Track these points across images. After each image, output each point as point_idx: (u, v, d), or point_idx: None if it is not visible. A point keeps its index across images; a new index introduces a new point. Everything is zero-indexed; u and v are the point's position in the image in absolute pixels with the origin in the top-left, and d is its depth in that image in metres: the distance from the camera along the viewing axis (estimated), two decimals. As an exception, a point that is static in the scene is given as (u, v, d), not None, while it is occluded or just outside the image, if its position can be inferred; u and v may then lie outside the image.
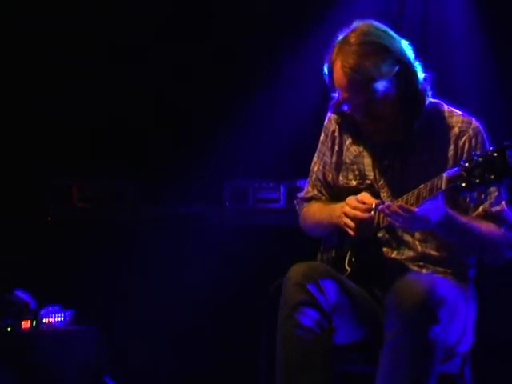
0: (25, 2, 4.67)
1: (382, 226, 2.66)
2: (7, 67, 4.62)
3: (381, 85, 2.62)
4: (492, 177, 2.30)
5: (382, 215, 2.64)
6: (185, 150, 4.74)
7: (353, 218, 2.66)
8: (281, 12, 4.77)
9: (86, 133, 4.73)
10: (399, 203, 2.54)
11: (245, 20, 4.78)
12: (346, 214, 2.68)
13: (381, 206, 2.58)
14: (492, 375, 3.92)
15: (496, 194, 2.69)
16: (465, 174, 2.35)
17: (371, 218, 2.63)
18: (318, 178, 2.96)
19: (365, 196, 2.67)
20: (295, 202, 3.08)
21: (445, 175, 2.43)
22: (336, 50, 2.67)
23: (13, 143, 4.60)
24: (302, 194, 3.03)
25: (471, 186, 2.34)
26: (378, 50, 2.62)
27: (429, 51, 4.33)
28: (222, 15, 4.83)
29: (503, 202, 2.71)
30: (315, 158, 2.97)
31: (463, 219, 2.62)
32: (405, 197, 2.58)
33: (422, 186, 2.52)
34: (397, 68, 2.64)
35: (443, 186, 2.42)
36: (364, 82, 2.61)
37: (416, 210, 2.49)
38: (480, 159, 2.33)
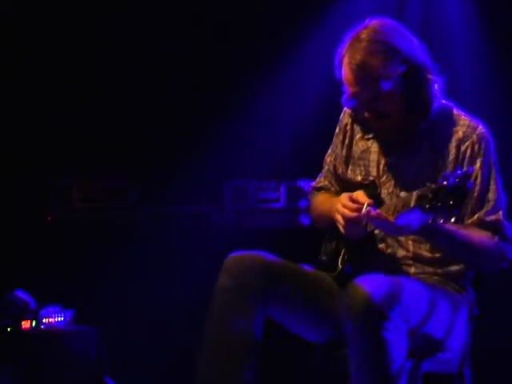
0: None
1: (369, 228, 2.66)
2: (7, 67, 4.62)
3: (386, 83, 2.63)
4: (451, 202, 2.30)
5: None
6: (185, 150, 4.74)
7: (342, 216, 2.66)
8: (281, 11, 4.77)
9: (86, 133, 4.73)
10: (378, 211, 2.54)
11: (245, 19, 4.79)
12: (337, 211, 2.69)
13: (363, 211, 2.58)
14: (492, 375, 3.92)
15: (493, 203, 2.69)
16: (430, 196, 2.34)
17: (359, 218, 2.63)
18: (329, 170, 3.01)
19: (359, 194, 2.67)
20: (309, 190, 3.11)
21: (415, 193, 2.43)
22: (347, 45, 2.69)
23: (13, 143, 4.60)
24: (313, 184, 3.08)
25: (433, 208, 2.34)
26: (385, 49, 2.63)
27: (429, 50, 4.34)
28: (222, 15, 4.84)
29: (500, 212, 2.70)
30: (330, 150, 3.01)
31: (450, 227, 2.59)
32: (386, 205, 2.61)
33: (400, 197, 2.53)
34: (403, 68, 2.64)
35: (412, 204, 2.42)
36: (369, 79, 2.63)
37: (393, 220, 2.50)
38: (444, 183, 2.32)
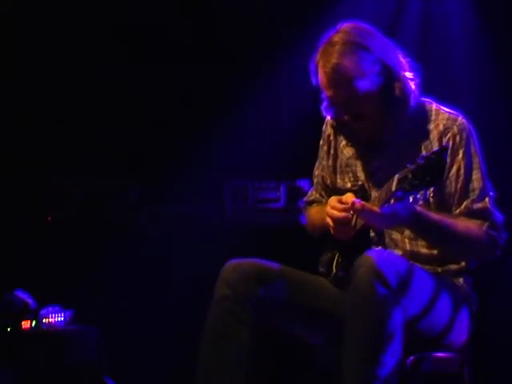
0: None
1: (357, 226, 2.67)
2: (6, 67, 4.62)
3: (361, 84, 2.65)
4: (428, 178, 2.33)
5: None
6: (185, 150, 4.74)
7: (331, 218, 2.68)
8: (281, 11, 4.77)
9: (86, 132, 4.73)
10: (362, 202, 2.56)
11: (244, 19, 4.79)
12: (326, 213, 2.70)
13: (349, 204, 2.60)
14: (492, 375, 3.92)
15: (478, 191, 2.70)
16: (410, 176, 2.37)
17: (347, 218, 2.64)
18: (318, 182, 3.04)
19: (348, 196, 2.68)
20: (302, 205, 3.12)
21: (396, 177, 2.45)
22: (320, 51, 2.71)
23: (13, 143, 4.60)
24: (305, 198, 3.09)
25: (413, 187, 2.37)
26: (358, 50, 2.66)
27: (429, 49, 4.35)
28: (222, 15, 4.83)
29: (487, 199, 2.72)
30: (317, 163, 3.04)
31: (435, 217, 2.62)
32: (372, 199, 2.64)
33: (384, 186, 2.53)
34: (377, 68, 2.66)
35: (393, 188, 2.45)
36: (344, 80, 2.65)
37: (378, 210, 2.51)
38: (422, 161, 2.35)
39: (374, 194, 2.76)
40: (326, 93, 2.72)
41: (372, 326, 2.41)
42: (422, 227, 2.62)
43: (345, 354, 2.45)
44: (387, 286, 2.43)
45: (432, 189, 2.35)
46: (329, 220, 2.69)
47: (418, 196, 2.37)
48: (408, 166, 2.39)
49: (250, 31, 4.77)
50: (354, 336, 2.43)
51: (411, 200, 2.40)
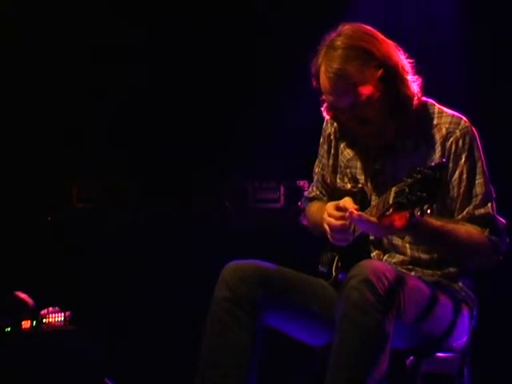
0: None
1: (356, 233, 2.66)
2: (8, 67, 4.62)
3: (364, 89, 2.63)
4: (424, 195, 2.31)
5: None
6: (185, 150, 4.74)
7: (328, 225, 2.67)
8: (284, 11, 4.77)
9: (86, 133, 4.73)
10: (360, 213, 2.55)
11: (247, 21, 4.79)
12: (324, 220, 2.70)
13: (346, 214, 2.58)
14: (492, 375, 3.92)
15: (481, 196, 2.69)
16: (407, 190, 2.35)
17: (344, 226, 2.64)
18: (318, 180, 3.02)
19: (346, 201, 2.67)
20: (302, 199, 3.11)
21: (392, 189, 2.44)
22: (322, 53, 2.69)
23: (13, 143, 4.60)
24: (306, 193, 3.07)
25: (409, 202, 2.34)
26: (361, 55, 2.63)
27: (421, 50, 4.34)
28: (226, 16, 4.84)
29: (489, 205, 2.70)
30: (317, 160, 3.02)
31: (436, 223, 2.60)
32: (370, 208, 2.62)
33: (382, 196, 2.53)
34: (380, 72, 2.64)
35: (390, 201, 2.43)
36: (347, 86, 2.63)
37: (376, 220, 2.50)
38: (418, 176, 2.33)
39: (374, 197, 2.75)
40: (328, 97, 2.70)
41: (361, 334, 2.42)
42: (421, 235, 2.61)
43: (332, 361, 2.46)
44: (378, 296, 2.43)
45: (428, 205, 2.32)
46: (326, 227, 2.68)
47: (415, 211, 2.35)
48: (405, 179, 2.38)
49: (252, 33, 4.78)
50: (343, 344, 2.44)
51: (408, 216, 2.39)
